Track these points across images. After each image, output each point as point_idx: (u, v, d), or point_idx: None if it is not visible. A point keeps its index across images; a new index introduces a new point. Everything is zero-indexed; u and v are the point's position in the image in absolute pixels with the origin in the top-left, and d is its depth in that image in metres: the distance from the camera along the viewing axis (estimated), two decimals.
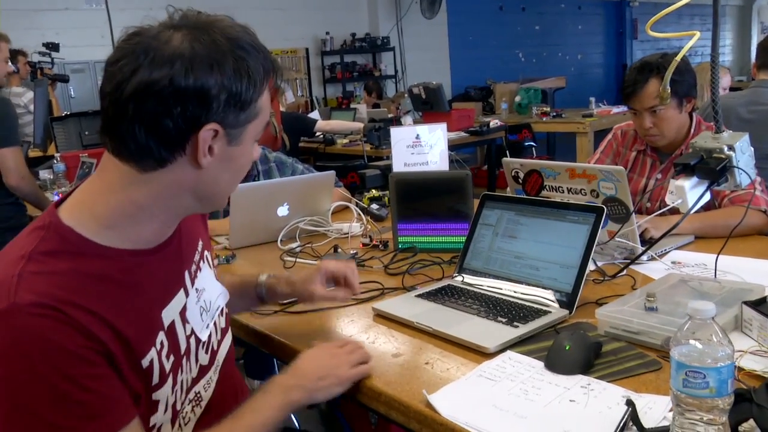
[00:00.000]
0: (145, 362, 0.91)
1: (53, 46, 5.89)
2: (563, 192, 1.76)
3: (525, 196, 1.75)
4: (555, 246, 1.45)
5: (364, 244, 2.02)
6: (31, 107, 5.53)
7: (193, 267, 1.07)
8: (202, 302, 1.07)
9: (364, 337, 1.36)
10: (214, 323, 1.11)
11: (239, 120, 0.90)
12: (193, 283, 1.05)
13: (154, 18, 0.89)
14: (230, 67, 0.86)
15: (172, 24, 0.88)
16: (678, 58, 1.35)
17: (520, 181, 1.87)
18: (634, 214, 1.62)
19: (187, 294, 1.02)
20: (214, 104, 0.86)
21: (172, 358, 0.96)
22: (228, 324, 1.19)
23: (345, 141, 5.51)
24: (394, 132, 2.74)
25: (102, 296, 0.86)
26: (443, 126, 2.76)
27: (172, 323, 0.98)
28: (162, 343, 0.94)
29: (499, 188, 6.07)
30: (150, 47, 0.85)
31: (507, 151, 6.40)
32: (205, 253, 1.14)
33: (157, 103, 0.84)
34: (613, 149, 2.36)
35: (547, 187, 1.80)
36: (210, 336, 1.09)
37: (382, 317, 1.44)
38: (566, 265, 1.41)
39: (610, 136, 2.39)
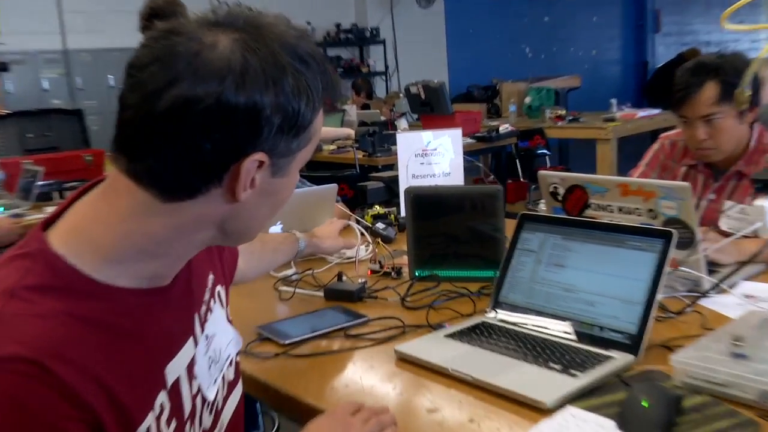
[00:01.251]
0: (141, 431, 0.84)
1: None
2: (613, 211, 1.71)
3: (574, 217, 1.70)
4: (614, 277, 1.41)
5: (373, 271, 1.96)
6: None
7: (203, 308, 1.01)
8: (212, 352, 1.01)
9: (388, 387, 1.29)
10: (222, 376, 1.05)
11: (291, 148, 0.84)
12: (203, 329, 0.99)
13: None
14: (288, 84, 0.80)
15: (217, 21, 0.81)
16: (763, 55, 1.31)
17: (560, 198, 1.82)
18: (699, 239, 1.57)
19: (196, 343, 0.96)
20: (266, 129, 0.80)
21: (173, 423, 0.90)
22: (238, 376, 1.13)
23: (332, 147, 5.46)
24: (401, 139, 2.71)
25: (98, 348, 0.79)
26: (457, 132, 2.74)
27: (177, 381, 0.91)
28: (162, 406, 0.88)
29: (508, 203, 6.05)
30: (191, 53, 0.77)
31: (517, 161, 6.41)
32: (217, 289, 1.08)
33: (199, 124, 0.77)
34: (660, 162, 2.33)
35: (592, 205, 1.76)
36: (216, 393, 1.03)
37: (407, 362, 1.38)
38: (628, 300, 1.36)
39: (656, 146, 2.36)
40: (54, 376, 0.74)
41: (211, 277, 1.07)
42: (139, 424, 0.83)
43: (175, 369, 0.91)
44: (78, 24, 6.95)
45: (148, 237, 0.84)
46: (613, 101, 7.03)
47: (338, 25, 9.19)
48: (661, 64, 11.41)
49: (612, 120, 6.26)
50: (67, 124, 5.87)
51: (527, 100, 7.48)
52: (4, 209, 3.56)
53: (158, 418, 0.87)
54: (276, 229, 2.06)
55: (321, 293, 1.80)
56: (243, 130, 0.79)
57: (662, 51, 13.35)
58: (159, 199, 0.82)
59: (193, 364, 0.95)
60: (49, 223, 0.87)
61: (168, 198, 0.82)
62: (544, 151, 6.51)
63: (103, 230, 0.84)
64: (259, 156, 0.81)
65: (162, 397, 0.88)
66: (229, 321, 1.12)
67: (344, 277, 1.87)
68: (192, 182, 0.81)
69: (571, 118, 6.62)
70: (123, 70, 0.82)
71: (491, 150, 5.98)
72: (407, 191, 1.89)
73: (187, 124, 0.77)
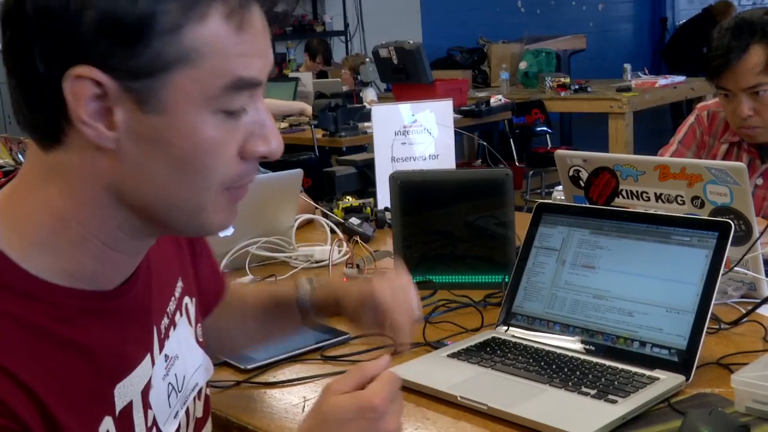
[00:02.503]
0: None
1: None
2: (649, 200, 1.73)
3: (605, 207, 1.71)
4: (657, 280, 1.42)
5: (349, 278, 1.95)
6: None
7: (164, 321, 1.01)
8: (172, 377, 1.00)
9: None
10: (186, 410, 1.05)
11: (141, 65, 0.78)
12: (161, 347, 0.99)
13: None
14: None
15: None
16: None
17: (582, 183, 1.84)
18: (763, 233, 1.59)
19: (153, 363, 0.96)
20: (87, 34, 0.77)
21: None
22: (208, 413, 1.13)
23: (284, 125, 5.44)
24: (377, 113, 2.71)
25: (31, 356, 0.80)
26: (446, 105, 2.74)
27: (128, 406, 0.91)
28: None
29: None
30: None
31: (511, 140, 6.45)
32: (186, 301, 1.08)
33: (18, 36, 0.80)
34: (697, 138, 2.36)
35: (623, 192, 1.77)
36: (179, 429, 1.02)
37: (403, 389, 1.37)
38: (676, 308, 1.38)
39: (692, 118, 2.39)
40: None
41: (179, 284, 1.07)
42: None
43: (126, 392, 0.91)
44: None
45: (50, 211, 0.85)
46: (627, 66, 7.13)
47: None
48: (684, 21, 11.58)
49: (627, 89, 6.33)
50: None
51: (522, 65, 7.54)
52: None
53: None
54: (226, 233, 2.04)
55: None
56: (57, 36, 0.78)
57: (684, 5, 13.56)
58: (40, 149, 0.84)
59: (149, 388, 0.95)
60: None
61: (42, 145, 0.84)
62: (544, 128, 6.58)
63: (18, 203, 0.86)
64: (93, 74, 0.78)
65: (107, 424, 0.88)
66: (200, 343, 1.11)
67: None
68: (39, 118, 0.82)
69: (576, 87, 6.69)
70: None
71: (480, 127, 6.00)
72: (393, 177, 1.89)
73: (12, 40, 0.80)
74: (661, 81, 6.67)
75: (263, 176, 2.32)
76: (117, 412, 0.90)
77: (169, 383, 1.00)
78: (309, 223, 2.39)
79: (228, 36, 0.81)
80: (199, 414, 1.10)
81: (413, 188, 1.88)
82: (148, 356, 0.96)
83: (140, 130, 0.81)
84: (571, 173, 1.85)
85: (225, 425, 1.34)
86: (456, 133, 2.84)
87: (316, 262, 2.10)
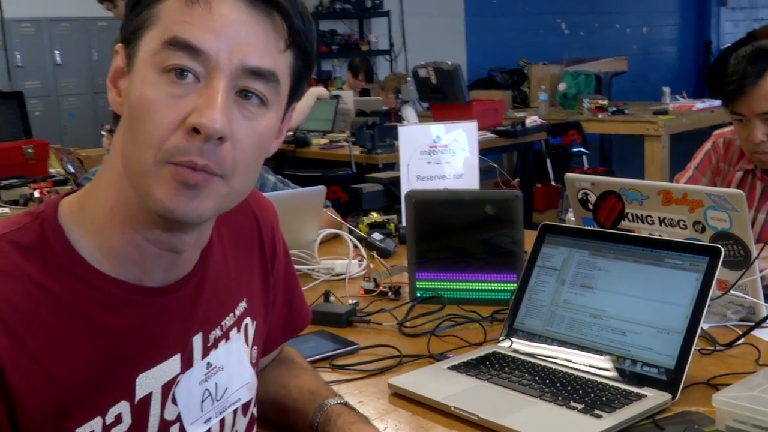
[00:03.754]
0: None
1: None
2: (653, 223, 1.76)
3: (605, 230, 1.75)
4: (649, 301, 1.45)
5: (366, 291, 2.00)
6: None
7: (216, 332, 1.06)
8: (211, 384, 1.05)
9: (380, 426, 1.33)
10: (222, 421, 1.09)
11: (132, 28, 0.92)
12: (205, 354, 1.04)
13: None
14: None
15: None
16: None
17: (590, 206, 1.87)
18: (757, 258, 1.61)
19: (186, 365, 1.02)
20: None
21: None
22: (250, 430, 1.17)
23: (324, 141, 5.51)
24: (404, 132, 2.76)
25: (55, 328, 0.89)
26: (471, 125, 2.79)
27: (148, 396, 0.97)
28: (119, 418, 0.94)
29: (536, 211, 6.10)
30: None
31: (548, 160, 6.46)
32: (246, 321, 1.13)
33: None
34: (712, 165, 2.37)
35: (628, 215, 1.80)
36: None
37: (403, 398, 1.43)
38: (666, 329, 1.41)
39: (708, 145, 2.40)
40: None
41: (242, 304, 1.12)
42: (76, 426, 0.90)
43: (147, 383, 0.97)
44: None
45: (103, 198, 0.95)
46: (666, 90, 7.09)
47: None
48: (728, 45, 11.46)
49: (664, 112, 6.31)
50: (4, 109, 5.94)
51: (561, 87, 7.53)
52: None
53: (107, 428, 0.93)
54: None
55: None
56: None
57: (729, 28, 13.41)
58: None
59: (174, 384, 1.00)
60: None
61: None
62: (581, 148, 6.56)
63: (90, 193, 0.97)
64: (120, 48, 0.94)
65: (122, 408, 0.94)
66: (253, 364, 1.15)
67: (332, 298, 1.91)
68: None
69: (614, 109, 6.66)
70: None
71: (516, 147, 6.02)
72: (408, 196, 1.94)
73: None
74: (699, 104, 6.63)
75: (286, 191, 2.39)
76: (136, 400, 0.96)
77: (207, 389, 1.05)
78: (335, 237, 2.44)
79: (180, 7, 0.89)
80: (240, 430, 1.13)
81: (427, 206, 1.93)
82: (178, 356, 1.00)
83: (125, 93, 0.92)
84: (580, 196, 1.89)
85: None
86: (483, 155, 2.88)
87: (337, 275, 2.14)
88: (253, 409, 1.17)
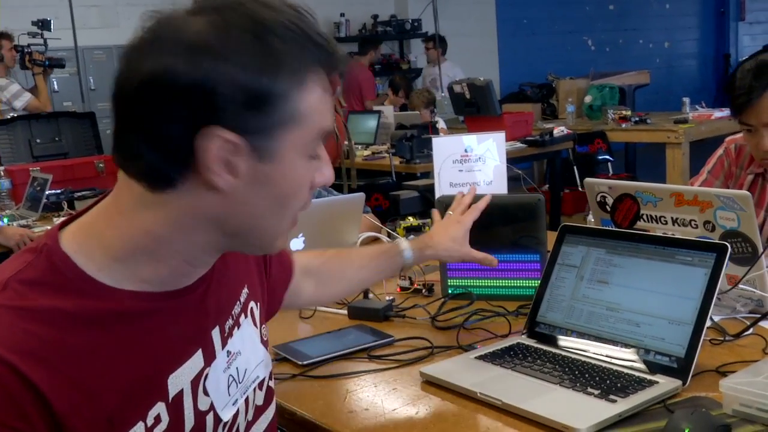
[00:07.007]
0: None
1: (44, 24, 5.98)
2: (666, 223, 1.75)
3: (620, 230, 1.74)
4: (661, 295, 1.45)
5: (402, 288, 2.02)
6: (16, 103, 5.68)
7: (229, 322, 1.07)
8: (233, 370, 1.07)
9: (412, 410, 1.35)
10: (246, 399, 1.11)
11: (265, 126, 0.88)
12: (224, 344, 1.05)
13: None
14: (248, 56, 0.86)
15: (198, 7, 0.89)
16: None
17: (608, 208, 1.86)
18: (763, 253, 1.60)
19: (210, 358, 1.02)
20: (221, 103, 0.85)
21: None
22: (269, 402, 1.18)
23: (367, 153, 5.54)
24: (437, 143, 2.76)
25: (83, 349, 0.87)
26: (500, 135, 2.79)
27: (180, 394, 0.98)
28: (158, 418, 0.94)
29: (564, 215, 6.07)
30: (162, 33, 0.86)
31: (575, 168, 6.41)
32: (251, 305, 1.14)
33: (157, 102, 0.85)
34: (725, 169, 2.34)
35: (644, 216, 1.79)
36: (237, 415, 1.08)
37: (434, 385, 1.44)
38: (677, 320, 1.40)
39: (720, 151, 2.38)
40: (20, 375, 0.82)
41: (244, 290, 1.13)
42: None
43: (178, 381, 0.97)
44: (90, 18, 7.19)
45: (145, 232, 0.92)
46: (686, 100, 6.99)
47: (375, 17, 9.31)
48: (745, 59, 11.26)
49: (684, 121, 6.23)
50: (79, 128, 6.08)
51: (587, 99, 7.47)
52: (8, 220, 3.71)
53: (149, 430, 0.93)
54: (297, 242, 2.13)
55: (345, 311, 1.87)
56: (195, 104, 0.85)
57: (747, 42, 13.18)
58: (148, 189, 0.90)
59: (202, 377, 1.01)
60: (67, 222, 0.96)
61: (153, 188, 0.89)
62: (606, 156, 6.51)
63: (106, 225, 0.93)
64: (224, 134, 0.86)
65: (159, 408, 0.94)
66: (264, 342, 1.17)
67: (370, 294, 1.93)
68: (163, 168, 0.88)
69: (636, 119, 6.60)
70: None
71: (545, 155, 6.00)
72: (439, 201, 1.95)
73: (148, 102, 0.85)
74: (717, 113, 6.52)
75: (329, 198, 2.41)
76: (170, 399, 0.96)
77: (230, 375, 1.06)
78: (375, 240, 2.46)
79: (321, 100, 0.93)
80: (260, 402, 1.15)
81: None
82: (200, 351, 1.01)
83: (254, 175, 0.90)
84: (598, 199, 1.88)
85: (280, 411, 1.37)
86: (514, 163, 2.88)
87: None
88: (270, 382, 1.19)
